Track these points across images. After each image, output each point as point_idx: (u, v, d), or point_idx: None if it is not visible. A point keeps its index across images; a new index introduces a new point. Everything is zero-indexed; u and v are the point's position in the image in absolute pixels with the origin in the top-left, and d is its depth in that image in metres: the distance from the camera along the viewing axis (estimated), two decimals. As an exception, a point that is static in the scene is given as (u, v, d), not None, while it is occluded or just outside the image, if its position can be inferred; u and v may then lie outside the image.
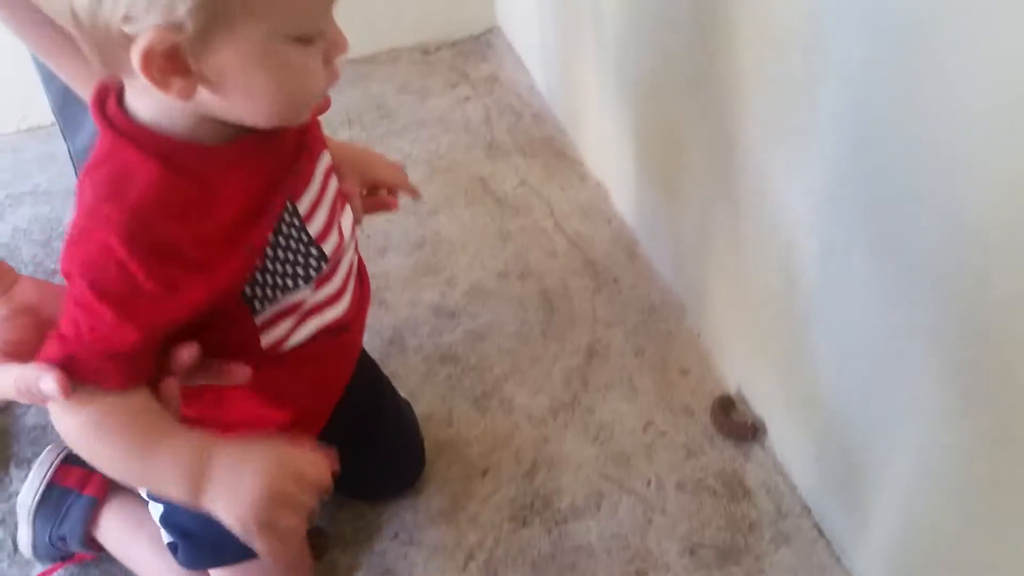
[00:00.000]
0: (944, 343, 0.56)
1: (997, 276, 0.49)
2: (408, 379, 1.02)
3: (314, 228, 0.60)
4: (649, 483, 0.85)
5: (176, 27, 0.45)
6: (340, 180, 0.67)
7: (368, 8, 1.72)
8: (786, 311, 0.77)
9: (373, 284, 1.15)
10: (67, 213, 1.40)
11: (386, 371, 1.02)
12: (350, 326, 0.68)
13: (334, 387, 0.75)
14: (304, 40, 0.50)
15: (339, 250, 0.63)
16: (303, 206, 0.59)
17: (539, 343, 1.04)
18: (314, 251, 0.60)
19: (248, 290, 0.56)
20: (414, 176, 1.37)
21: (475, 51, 1.77)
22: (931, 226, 0.54)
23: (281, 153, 0.57)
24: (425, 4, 1.76)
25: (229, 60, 0.48)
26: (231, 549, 0.69)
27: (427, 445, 0.93)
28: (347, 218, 0.66)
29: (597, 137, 1.30)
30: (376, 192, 0.80)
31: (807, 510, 0.82)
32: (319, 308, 0.63)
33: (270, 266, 0.57)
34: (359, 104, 1.62)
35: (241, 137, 0.53)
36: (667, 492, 0.84)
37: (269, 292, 0.57)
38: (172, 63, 0.46)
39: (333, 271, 0.63)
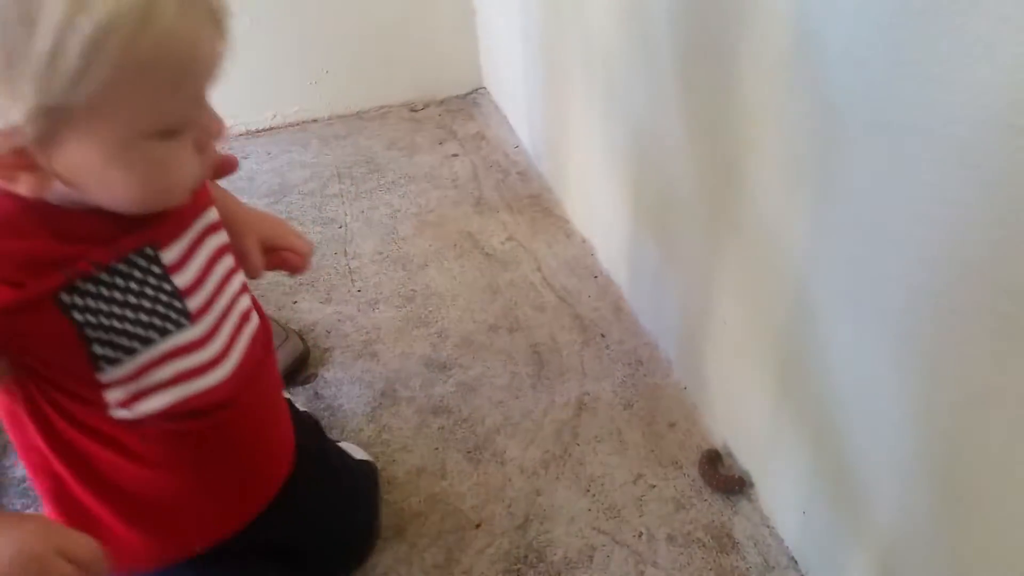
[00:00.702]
0: (931, 404, 0.59)
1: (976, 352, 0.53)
2: (401, 431, 1.03)
3: (180, 281, 0.57)
4: (640, 535, 0.87)
5: (15, 131, 0.43)
6: (237, 237, 0.66)
7: (358, 66, 1.78)
8: (771, 366, 0.81)
9: (365, 336, 1.18)
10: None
11: (378, 423, 1.04)
12: (234, 402, 0.63)
13: (225, 489, 0.68)
14: (167, 134, 0.48)
15: (208, 309, 0.60)
16: (170, 256, 0.57)
17: (530, 396, 1.06)
18: (173, 299, 0.57)
19: (95, 345, 0.53)
20: (404, 229, 1.41)
21: (462, 110, 1.83)
22: (905, 285, 0.58)
23: None
24: (413, 63, 1.82)
25: (82, 158, 0.46)
26: None
27: (420, 498, 0.94)
28: (233, 282, 0.64)
29: (582, 195, 1.35)
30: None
31: (793, 562, 0.84)
32: (185, 376, 0.59)
33: (117, 310, 0.54)
34: (349, 159, 1.66)
35: None
36: (658, 545, 0.86)
37: (118, 344, 0.54)
38: (19, 160, 0.45)
39: (209, 336, 0.60)
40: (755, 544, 0.86)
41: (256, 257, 0.69)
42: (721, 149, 0.82)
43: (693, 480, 0.93)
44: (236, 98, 1.71)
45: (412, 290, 1.28)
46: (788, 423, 0.81)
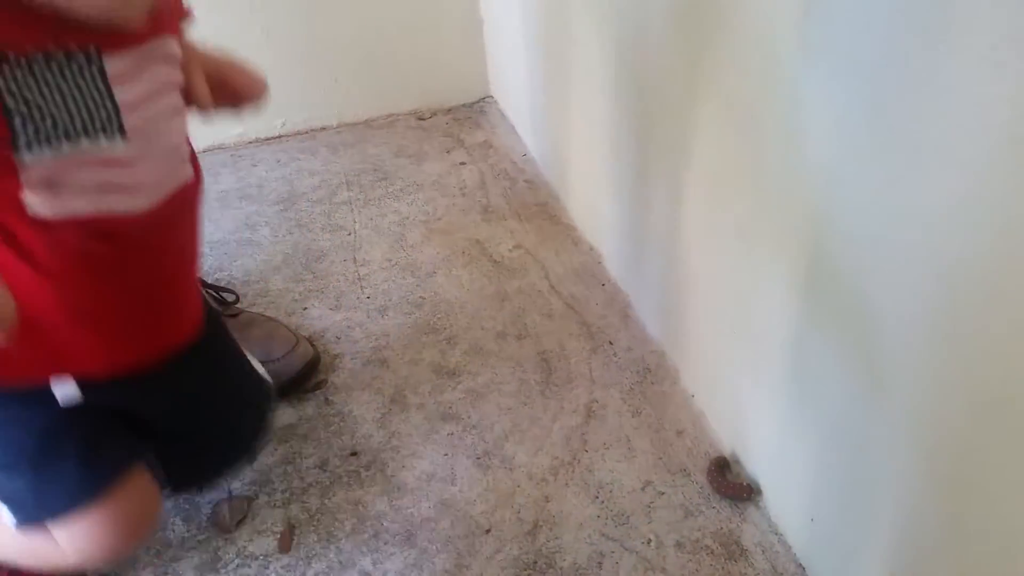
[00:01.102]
0: (922, 421, 0.60)
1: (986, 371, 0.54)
2: (410, 437, 1.03)
3: (122, 95, 0.58)
4: (649, 542, 0.87)
5: None
6: (184, 67, 0.66)
7: (365, 74, 1.79)
8: (778, 374, 0.81)
9: (374, 343, 1.19)
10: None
11: (387, 429, 1.05)
12: (147, 242, 0.65)
13: (113, 323, 0.68)
14: None
15: (143, 134, 0.60)
16: (116, 66, 0.57)
17: (538, 403, 1.07)
18: (108, 106, 0.57)
19: (16, 119, 0.53)
20: (412, 237, 1.41)
21: (469, 118, 1.84)
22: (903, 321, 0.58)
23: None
24: (421, 72, 1.84)
25: None
26: (52, 499, 0.68)
27: (430, 503, 0.94)
28: (176, 122, 0.64)
29: (588, 203, 1.36)
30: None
31: (802, 569, 0.84)
32: (106, 188, 0.60)
33: (47, 96, 0.54)
34: (357, 166, 1.67)
35: None
36: (666, 551, 0.86)
37: (42, 129, 0.54)
38: None
39: (137, 159, 0.60)
40: (763, 551, 0.86)
41: (202, 86, 0.69)
42: (732, 150, 0.82)
43: (701, 487, 0.94)
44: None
45: (421, 297, 1.28)
46: (796, 431, 0.81)
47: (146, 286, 0.68)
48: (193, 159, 0.71)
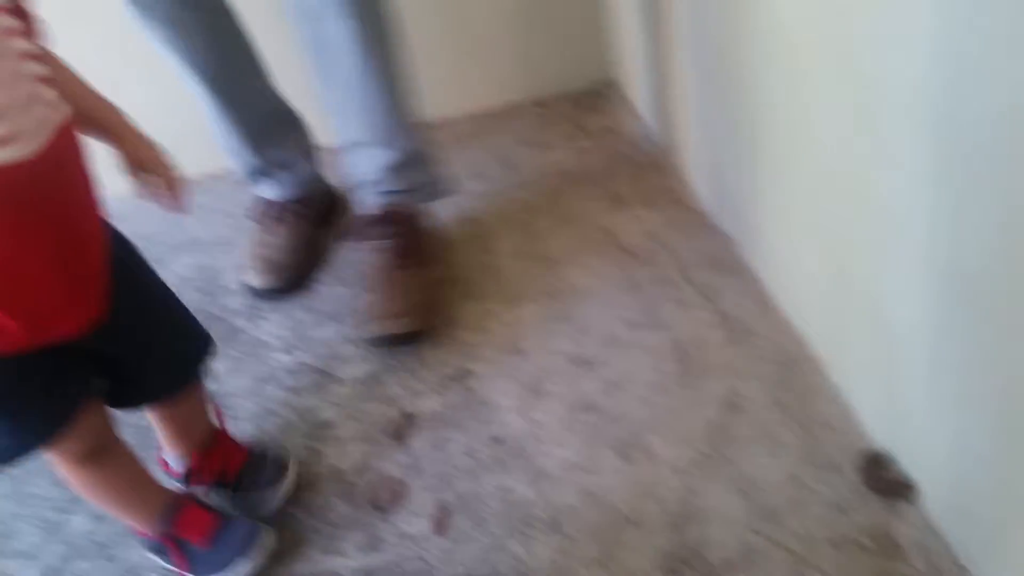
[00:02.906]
0: None
1: None
2: (551, 426, 1.06)
3: None
4: (800, 538, 0.87)
5: None
6: (108, 140, 0.82)
7: (484, 64, 1.82)
8: (934, 363, 0.79)
9: (510, 332, 1.22)
10: (224, 261, 1.52)
11: (527, 418, 1.08)
12: (41, 182, 0.69)
13: (22, 266, 0.72)
14: None
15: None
16: None
17: (676, 394, 1.08)
18: None
19: None
20: (541, 226, 1.43)
21: (590, 102, 1.84)
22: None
23: None
24: (540, 59, 1.84)
25: None
26: (24, 437, 0.80)
27: (575, 492, 0.97)
28: (28, 69, 0.67)
29: (720, 187, 1.34)
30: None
31: (963, 569, 0.82)
32: None
33: None
34: (482, 158, 1.70)
35: None
36: (820, 548, 0.86)
37: None
38: None
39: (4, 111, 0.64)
40: (921, 550, 0.84)
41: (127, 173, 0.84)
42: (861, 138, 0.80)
43: (852, 483, 0.92)
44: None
45: (553, 286, 1.31)
46: (956, 425, 0.78)
47: (54, 234, 0.73)
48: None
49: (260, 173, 1.45)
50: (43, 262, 0.72)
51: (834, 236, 0.96)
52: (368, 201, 1.38)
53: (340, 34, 1.18)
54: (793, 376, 1.07)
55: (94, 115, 0.82)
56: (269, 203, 1.48)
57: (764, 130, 1.10)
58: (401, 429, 1.11)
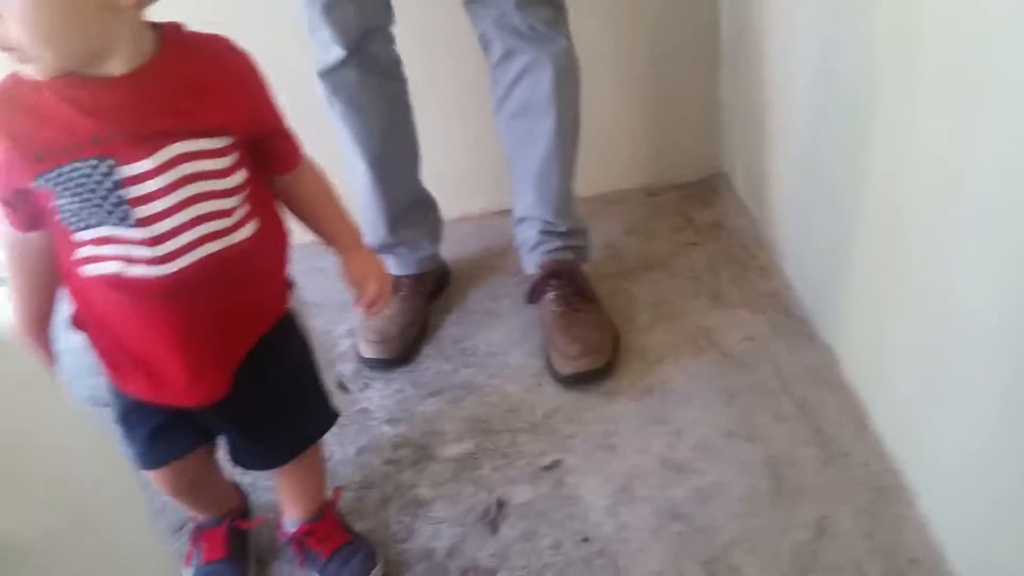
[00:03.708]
0: None
1: None
2: (639, 531, 1.09)
3: (136, 191, 0.76)
4: None
5: None
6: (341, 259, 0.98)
7: (596, 149, 1.88)
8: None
9: (603, 427, 1.25)
10: (339, 325, 1.63)
11: (617, 520, 1.12)
12: (174, 296, 0.81)
13: (137, 348, 0.86)
14: None
15: (159, 220, 0.78)
16: (130, 170, 0.75)
17: (767, 512, 1.08)
18: (122, 208, 0.76)
19: (64, 211, 0.77)
20: (641, 320, 1.47)
21: (699, 196, 1.87)
22: None
23: (108, 111, 0.75)
24: (652, 146, 1.90)
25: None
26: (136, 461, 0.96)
27: (658, 602, 0.99)
28: (198, 205, 0.79)
29: (822, 297, 1.34)
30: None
31: None
32: (126, 259, 0.79)
33: (73, 194, 0.76)
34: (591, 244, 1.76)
35: (66, 80, 0.74)
36: None
37: (76, 217, 0.77)
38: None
39: (156, 240, 0.78)
40: None
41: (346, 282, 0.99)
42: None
43: (941, 628, 0.91)
44: (481, 182, 1.88)
45: (650, 384, 1.34)
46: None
47: (186, 325, 0.84)
48: (267, 221, 0.88)
49: (388, 249, 1.56)
50: (170, 349, 0.85)
51: (929, 361, 0.96)
52: (534, 262, 1.51)
53: (544, 126, 1.38)
54: (885, 506, 1.06)
55: (325, 232, 0.96)
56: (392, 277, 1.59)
57: (865, 244, 1.11)
58: (494, 516, 1.16)
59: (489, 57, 1.37)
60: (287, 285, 0.96)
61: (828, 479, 1.11)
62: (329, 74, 1.36)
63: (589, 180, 1.91)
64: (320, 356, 1.00)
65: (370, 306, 1.00)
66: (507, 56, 1.34)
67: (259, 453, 1.02)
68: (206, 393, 0.89)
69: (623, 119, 1.85)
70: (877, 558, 0.99)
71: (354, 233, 0.99)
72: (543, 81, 1.34)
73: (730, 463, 1.17)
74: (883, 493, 1.08)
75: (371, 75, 1.37)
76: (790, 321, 1.42)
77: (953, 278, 0.89)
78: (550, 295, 1.46)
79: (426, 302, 1.60)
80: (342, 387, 1.04)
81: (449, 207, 1.74)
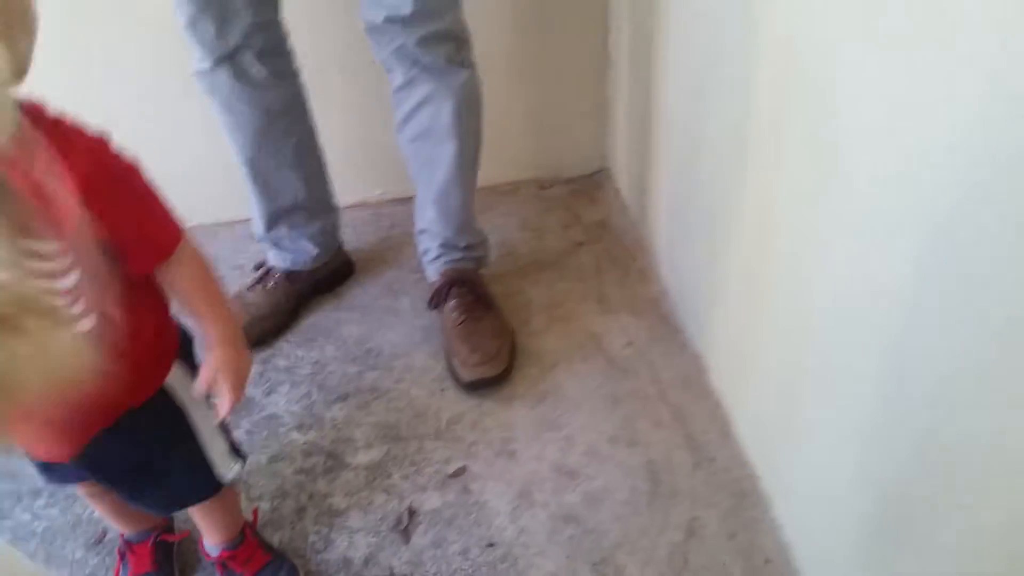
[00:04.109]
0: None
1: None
2: (537, 535, 1.23)
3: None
4: (738, 667, 1.06)
5: None
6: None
7: (490, 140, 1.94)
8: (875, 522, 0.97)
9: (504, 434, 1.38)
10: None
11: (518, 524, 1.25)
12: None
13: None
14: None
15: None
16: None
17: (646, 514, 1.25)
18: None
19: None
20: (537, 323, 1.59)
21: (586, 191, 1.99)
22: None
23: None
24: (543, 139, 1.99)
25: None
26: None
27: (555, 603, 1.14)
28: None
29: (701, 309, 1.51)
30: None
31: None
32: None
33: None
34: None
35: None
36: (753, 677, 1.05)
37: None
38: None
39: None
40: None
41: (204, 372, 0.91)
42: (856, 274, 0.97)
43: (784, 617, 1.11)
44: (383, 168, 1.92)
45: (544, 390, 1.47)
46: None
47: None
48: (121, 314, 0.80)
49: (266, 242, 1.62)
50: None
51: (787, 377, 1.14)
52: (435, 271, 1.59)
53: (445, 153, 1.44)
54: (745, 510, 1.25)
55: (199, 323, 0.91)
56: (268, 267, 1.67)
57: (734, 260, 1.27)
58: (406, 524, 1.26)
59: (391, 80, 1.40)
60: (165, 364, 0.93)
61: (697, 483, 1.29)
62: (200, 77, 1.39)
63: (484, 172, 1.99)
64: (212, 425, 0.99)
65: (221, 409, 0.94)
66: (408, 84, 1.38)
67: (140, 505, 1.06)
68: (50, 452, 0.91)
69: (516, 112, 1.93)
70: (738, 559, 1.19)
71: (224, 331, 0.92)
72: (444, 111, 1.39)
73: (615, 468, 1.32)
74: (743, 498, 1.27)
75: (244, 84, 1.39)
76: (666, 328, 1.59)
77: (814, 301, 1.05)
78: (451, 303, 1.55)
79: (295, 298, 1.67)
80: (236, 453, 1.06)
81: (346, 193, 1.78)
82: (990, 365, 0.70)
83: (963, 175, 0.69)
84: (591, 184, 2.02)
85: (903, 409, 0.84)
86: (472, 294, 1.56)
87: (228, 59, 1.36)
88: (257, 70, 1.38)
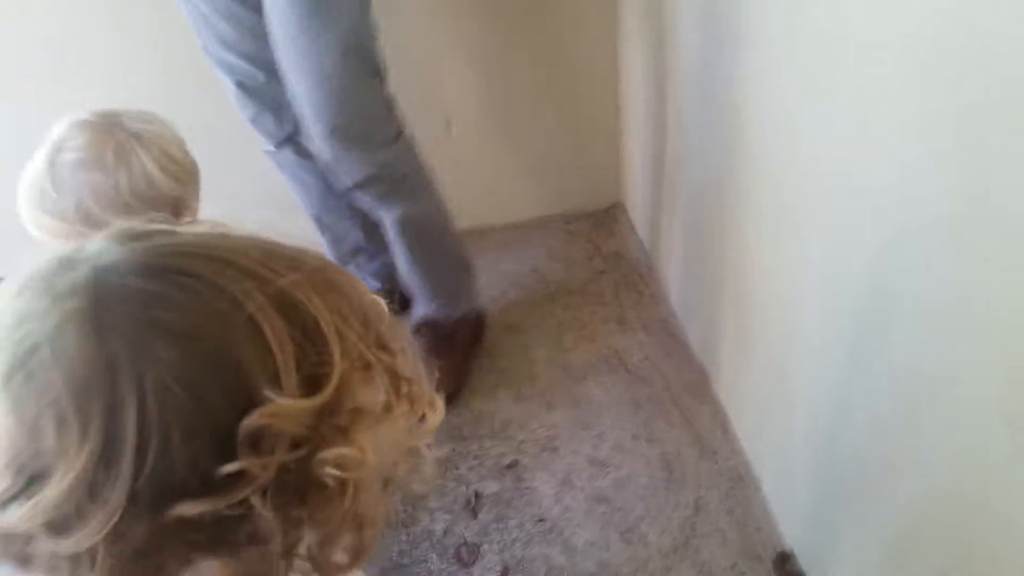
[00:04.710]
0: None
1: None
2: (577, 512, 1.58)
3: None
4: (735, 607, 1.41)
5: None
6: None
7: (517, 180, 2.29)
8: (844, 495, 1.31)
9: (547, 432, 1.72)
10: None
11: (561, 504, 1.59)
12: None
13: None
14: None
15: None
16: None
17: (662, 495, 1.60)
18: None
19: None
20: (567, 341, 1.93)
21: (604, 224, 2.34)
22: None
23: None
24: (568, 179, 2.33)
25: None
26: None
27: (594, 563, 1.49)
28: None
29: (703, 328, 1.85)
30: None
31: (830, 634, 1.36)
32: None
33: None
34: (518, 269, 2.19)
35: None
36: (746, 614, 1.39)
37: None
38: None
39: None
40: (807, 620, 1.38)
41: None
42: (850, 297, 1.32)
43: (768, 571, 1.45)
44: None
45: (577, 397, 1.81)
46: (848, 542, 1.31)
47: None
48: None
49: None
50: None
51: (771, 386, 1.49)
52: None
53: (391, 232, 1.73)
54: (741, 490, 1.59)
55: None
56: None
57: (727, 286, 1.61)
58: (473, 504, 1.61)
59: None
60: None
61: (702, 471, 1.64)
62: (269, 156, 1.76)
63: (513, 208, 2.33)
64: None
65: None
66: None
67: None
68: None
69: (541, 151, 2.26)
70: (734, 526, 1.53)
71: None
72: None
73: (637, 459, 1.67)
74: (739, 481, 1.61)
75: (303, 159, 1.73)
76: (675, 344, 1.93)
77: (795, 322, 1.38)
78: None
79: None
80: None
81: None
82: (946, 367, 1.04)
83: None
84: (608, 218, 2.36)
85: (850, 420, 1.18)
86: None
87: (288, 141, 1.71)
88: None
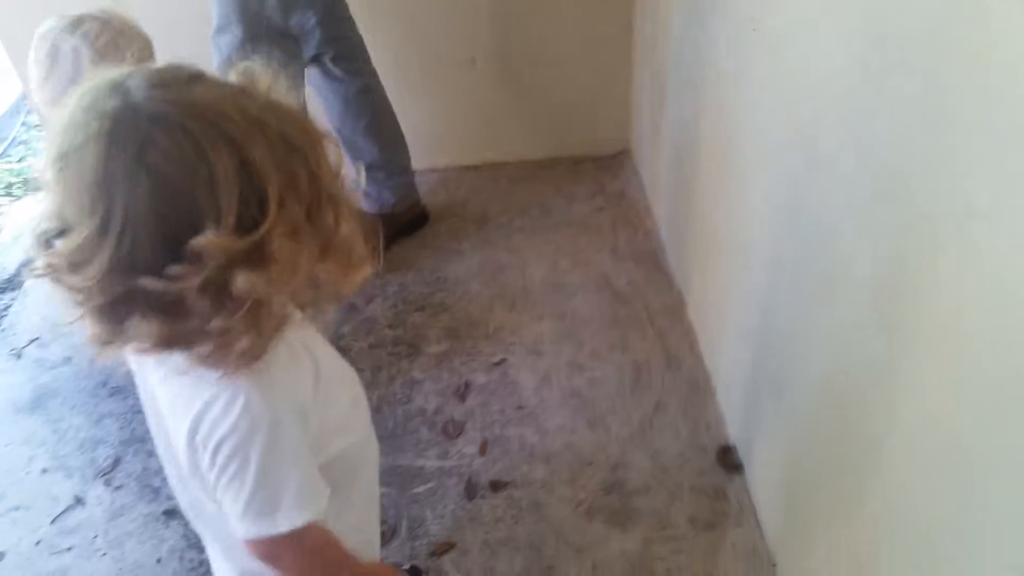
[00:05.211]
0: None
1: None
2: (552, 403, 1.80)
3: None
4: (678, 483, 1.62)
5: None
6: None
7: (536, 123, 2.50)
8: (776, 400, 1.52)
9: (534, 338, 1.95)
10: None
11: (540, 396, 1.82)
12: None
13: None
14: None
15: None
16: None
17: (629, 396, 1.81)
18: None
19: None
20: (563, 263, 2.15)
21: (611, 167, 2.53)
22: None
23: None
24: (575, 125, 2.53)
25: None
26: None
27: (563, 442, 1.71)
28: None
29: (684, 261, 2.05)
30: None
31: (757, 520, 1.56)
32: None
33: None
34: (527, 200, 2.40)
35: None
36: (686, 490, 1.61)
37: None
38: None
39: None
40: (739, 502, 1.59)
41: None
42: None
43: (711, 460, 1.66)
44: (450, 142, 2.48)
45: (565, 311, 2.03)
46: (771, 435, 1.52)
47: None
48: None
49: (360, 192, 2.22)
50: None
51: (726, 310, 1.69)
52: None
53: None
54: (697, 396, 1.80)
55: None
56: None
57: (701, 225, 1.81)
58: (463, 391, 1.85)
59: None
60: None
61: (667, 379, 1.85)
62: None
63: (531, 148, 2.54)
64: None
65: None
66: None
67: None
68: None
69: (557, 96, 2.46)
70: (687, 423, 1.74)
71: None
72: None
73: (611, 365, 1.88)
74: (697, 389, 1.82)
75: (326, 78, 2.05)
76: (660, 274, 2.13)
77: (745, 255, 1.58)
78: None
79: (384, 237, 2.23)
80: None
81: (420, 159, 2.34)
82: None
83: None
84: (615, 163, 2.55)
85: (771, 327, 1.38)
86: None
87: (313, 61, 1.99)
88: (338, 66, 2.02)
